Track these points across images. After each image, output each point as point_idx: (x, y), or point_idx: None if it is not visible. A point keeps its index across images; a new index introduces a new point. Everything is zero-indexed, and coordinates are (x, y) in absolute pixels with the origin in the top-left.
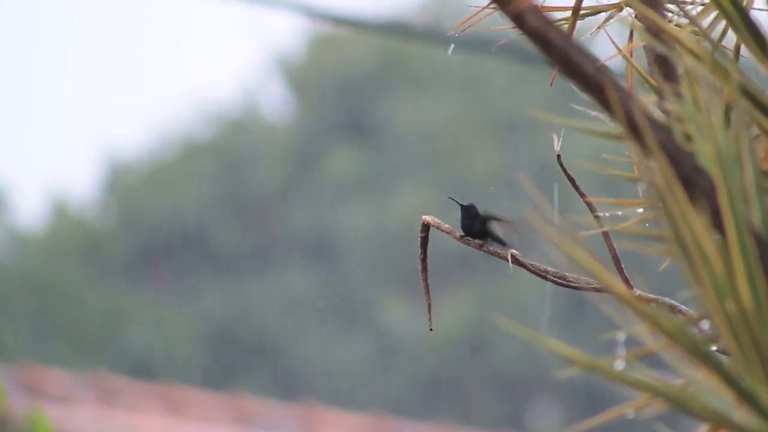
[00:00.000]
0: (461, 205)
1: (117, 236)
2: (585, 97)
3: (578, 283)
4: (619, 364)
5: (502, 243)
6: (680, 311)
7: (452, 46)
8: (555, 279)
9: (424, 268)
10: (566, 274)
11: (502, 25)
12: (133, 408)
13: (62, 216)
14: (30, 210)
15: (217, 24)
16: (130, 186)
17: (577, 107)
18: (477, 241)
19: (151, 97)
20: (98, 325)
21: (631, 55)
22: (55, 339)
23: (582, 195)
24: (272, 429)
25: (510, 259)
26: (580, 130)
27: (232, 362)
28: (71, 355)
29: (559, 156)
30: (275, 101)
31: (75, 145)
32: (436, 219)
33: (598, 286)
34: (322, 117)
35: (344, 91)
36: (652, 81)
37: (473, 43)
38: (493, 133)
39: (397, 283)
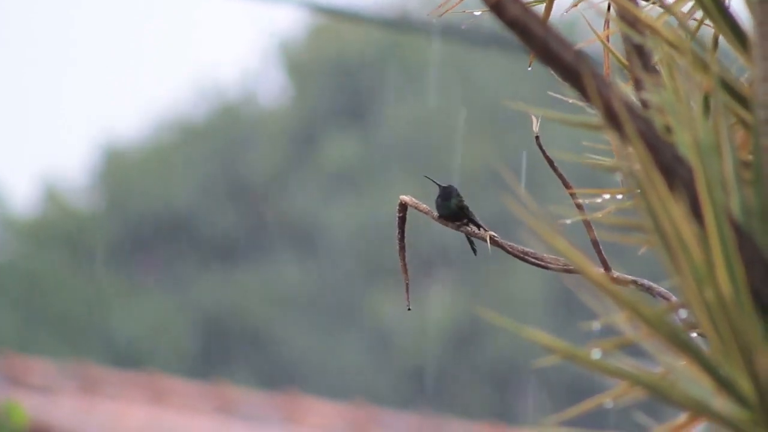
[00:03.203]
0: (439, 185)
1: (107, 224)
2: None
3: (557, 264)
4: (597, 353)
5: (478, 225)
6: (659, 293)
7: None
8: (533, 260)
9: (402, 248)
10: (544, 255)
11: (482, 15)
12: (115, 397)
13: (54, 203)
14: (22, 197)
15: (216, 10)
16: (124, 172)
17: (566, 99)
18: (455, 223)
19: (148, 83)
20: (84, 314)
21: (609, 40)
22: (40, 328)
23: (562, 178)
24: (255, 419)
25: (488, 241)
26: (559, 121)
27: (219, 352)
28: (56, 344)
29: (537, 138)
30: (273, 88)
31: (70, 131)
32: (413, 199)
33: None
34: (319, 105)
35: (342, 79)
36: (629, 67)
37: (460, 34)
38: (489, 124)
39: (388, 274)
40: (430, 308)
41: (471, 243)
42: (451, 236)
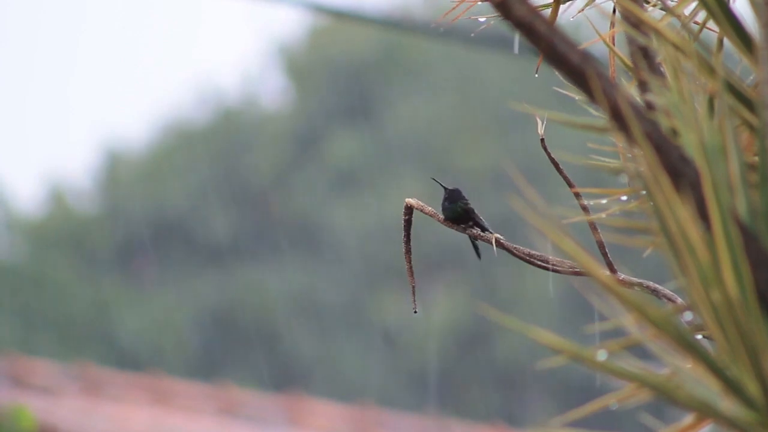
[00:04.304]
0: (445, 188)
1: (111, 225)
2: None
3: (562, 266)
4: (603, 354)
5: (484, 228)
6: (665, 296)
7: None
8: (539, 263)
9: (408, 251)
10: (549, 257)
11: (487, 18)
12: (119, 399)
13: (58, 205)
14: (26, 199)
15: (218, 13)
16: (128, 174)
17: (572, 96)
18: (461, 225)
19: (151, 86)
20: (88, 315)
21: (614, 41)
22: (44, 330)
23: (566, 180)
24: (259, 420)
25: (494, 243)
26: (564, 123)
27: (223, 353)
28: (60, 346)
29: (542, 140)
30: (275, 90)
31: (74, 133)
32: (419, 202)
33: (581, 269)
34: (320, 106)
35: (343, 80)
36: (634, 68)
37: (463, 35)
38: (493, 125)
39: (392, 275)
40: (436, 310)
41: (476, 247)
42: (458, 237)
